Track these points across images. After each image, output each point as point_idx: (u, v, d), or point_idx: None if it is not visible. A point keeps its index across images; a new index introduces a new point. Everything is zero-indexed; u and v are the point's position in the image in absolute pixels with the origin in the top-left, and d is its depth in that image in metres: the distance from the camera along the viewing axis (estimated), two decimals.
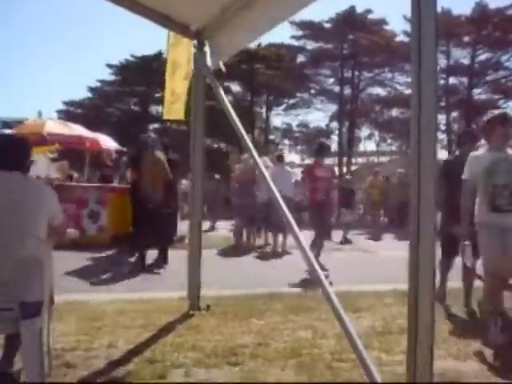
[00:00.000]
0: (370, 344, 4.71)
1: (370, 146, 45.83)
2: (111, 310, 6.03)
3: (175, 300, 6.53)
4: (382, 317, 5.92)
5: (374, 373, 3.44)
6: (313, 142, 45.79)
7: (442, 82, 34.19)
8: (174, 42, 6.84)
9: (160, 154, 9.46)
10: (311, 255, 4.37)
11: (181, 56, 6.82)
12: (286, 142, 46.20)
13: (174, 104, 7.00)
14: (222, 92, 5.72)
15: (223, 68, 6.38)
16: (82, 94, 46.43)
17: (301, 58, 41.56)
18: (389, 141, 45.40)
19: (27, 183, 3.57)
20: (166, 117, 7.51)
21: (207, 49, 6.22)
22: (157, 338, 5.06)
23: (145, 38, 60.40)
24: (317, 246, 8.95)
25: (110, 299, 6.65)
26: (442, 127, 35.89)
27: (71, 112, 43.36)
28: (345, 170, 39.48)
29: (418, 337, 3.14)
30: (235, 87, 41.95)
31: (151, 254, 9.42)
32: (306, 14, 37.15)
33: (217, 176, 22.42)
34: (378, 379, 3.41)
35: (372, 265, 10.49)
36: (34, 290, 3.29)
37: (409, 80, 30.81)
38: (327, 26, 39.00)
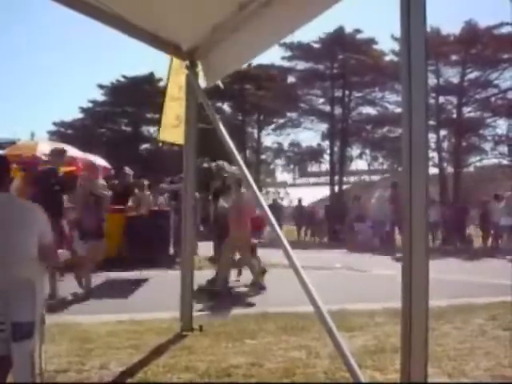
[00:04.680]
0: (363, 363, 4.69)
1: (361, 164, 45.92)
2: (103, 332, 5.98)
3: (167, 321, 6.49)
4: (375, 335, 5.91)
5: None
6: (305, 161, 46.06)
7: (431, 100, 34.39)
8: (179, 69, 6.83)
9: None
10: (304, 275, 4.36)
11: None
12: (278, 161, 46.27)
13: (177, 127, 6.96)
14: (214, 112, 5.75)
15: (221, 85, 6.42)
16: (74, 114, 46.37)
17: (291, 79, 41.81)
18: (380, 159, 45.57)
19: (12, 202, 3.54)
20: (162, 138, 7.51)
21: (199, 69, 6.25)
22: (149, 359, 5.02)
23: (136, 58, 60.73)
24: None
25: (101, 320, 6.60)
26: (433, 145, 36.04)
27: (62, 133, 43.35)
28: (336, 188, 39.60)
29: (411, 355, 3.13)
30: (226, 107, 42.16)
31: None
32: (294, 35, 37.29)
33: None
34: None
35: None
36: (26, 311, 3.27)
37: (399, 99, 31.00)
38: (316, 46, 39.28)
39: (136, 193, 13.09)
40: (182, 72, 6.63)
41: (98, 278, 10.14)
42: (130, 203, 13.00)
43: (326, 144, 42.46)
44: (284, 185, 45.75)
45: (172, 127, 7.02)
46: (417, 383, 3.10)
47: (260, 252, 10.66)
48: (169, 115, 7.08)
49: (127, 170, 14.17)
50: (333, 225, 24.45)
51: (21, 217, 3.41)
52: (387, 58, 37.60)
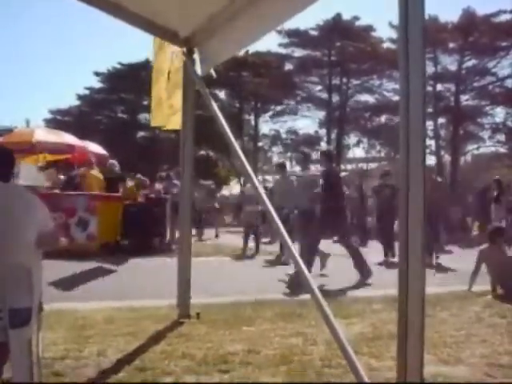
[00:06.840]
0: (359, 350, 4.71)
1: (358, 152, 45.77)
2: (100, 319, 5.99)
3: (165, 308, 6.50)
4: (372, 322, 5.93)
5: (364, 378, 3.44)
6: (301, 148, 45.92)
7: (429, 88, 34.32)
8: (158, 49, 6.85)
9: None
10: (301, 262, 4.37)
11: (164, 62, 6.83)
12: (275, 149, 46.06)
13: (173, 115, 6.92)
14: (211, 99, 5.73)
15: (214, 74, 6.39)
16: (70, 101, 46.11)
17: (288, 66, 41.63)
18: (378, 147, 45.44)
19: (11, 191, 3.53)
20: (153, 124, 7.56)
21: (196, 56, 6.22)
22: (147, 346, 5.04)
23: (132, 45, 60.21)
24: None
25: (99, 307, 6.61)
26: (430, 133, 35.99)
27: (58, 120, 43.07)
28: None
29: (408, 342, 3.14)
30: (223, 95, 41.93)
31: None
32: (292, 22, 37.02)
33: (208, 183, 21.99)
34: None
35: None
36: (23, 297, 3.27)
37: (397, 86, 30.96)
38: (314, 33, 39.10)
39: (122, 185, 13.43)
40: (166, 50, 6.65)
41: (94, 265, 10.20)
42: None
43: (323, 131, 42.39)
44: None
45: (167, 115, 6.99)
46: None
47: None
48: (154, 99, 7.10)
49: (114, 162, 14.38)
50: None
51: (19, 205, 3.40)
52: (385, 46, 37.49)
